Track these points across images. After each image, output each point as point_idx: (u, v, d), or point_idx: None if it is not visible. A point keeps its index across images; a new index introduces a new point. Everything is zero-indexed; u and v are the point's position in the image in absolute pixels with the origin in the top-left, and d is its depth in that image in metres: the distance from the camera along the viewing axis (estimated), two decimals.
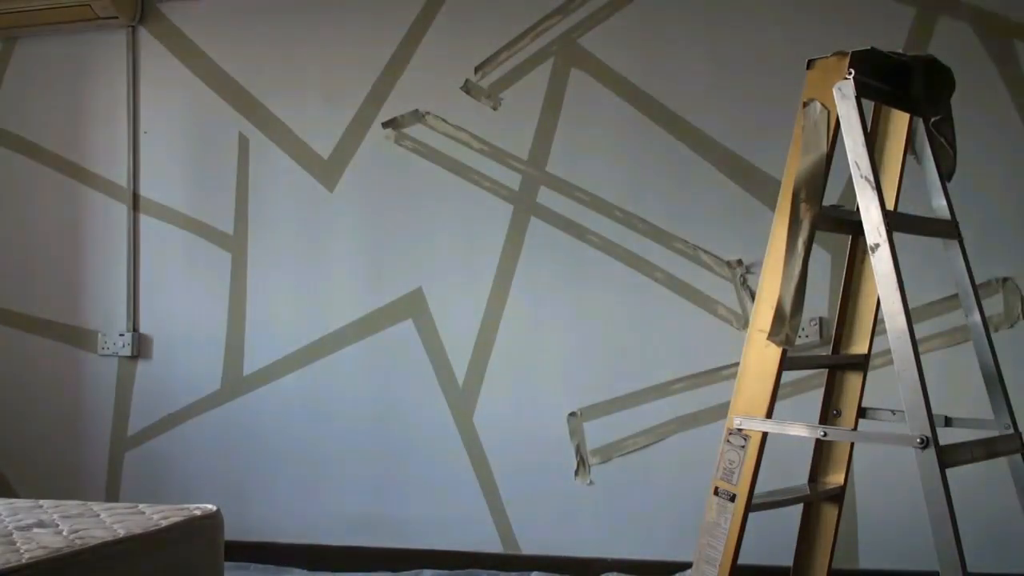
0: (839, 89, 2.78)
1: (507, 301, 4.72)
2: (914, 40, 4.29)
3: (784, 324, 2.85)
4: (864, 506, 4.30)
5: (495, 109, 4.78)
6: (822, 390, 3.46)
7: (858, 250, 3.33)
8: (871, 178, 2.70)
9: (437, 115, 4.83)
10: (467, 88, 4.80)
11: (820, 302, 4.31)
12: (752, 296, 4.41)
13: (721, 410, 4.43)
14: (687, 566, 4.40)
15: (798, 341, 3.01)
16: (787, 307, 2.85)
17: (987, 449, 2.91)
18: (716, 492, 2.94)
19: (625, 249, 4.60)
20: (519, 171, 4.73)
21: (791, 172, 2.90)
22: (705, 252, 4.52)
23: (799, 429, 2.99)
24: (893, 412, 3.28)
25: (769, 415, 2.89)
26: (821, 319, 4.33)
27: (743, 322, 4.44)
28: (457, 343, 4.79)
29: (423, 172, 4.82)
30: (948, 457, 2.58)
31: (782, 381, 2.96)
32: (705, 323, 4.52)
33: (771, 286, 2.90)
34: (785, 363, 2.92)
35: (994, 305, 4.17)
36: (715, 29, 4.55)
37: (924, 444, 2.55)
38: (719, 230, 4.52)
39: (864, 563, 4.32)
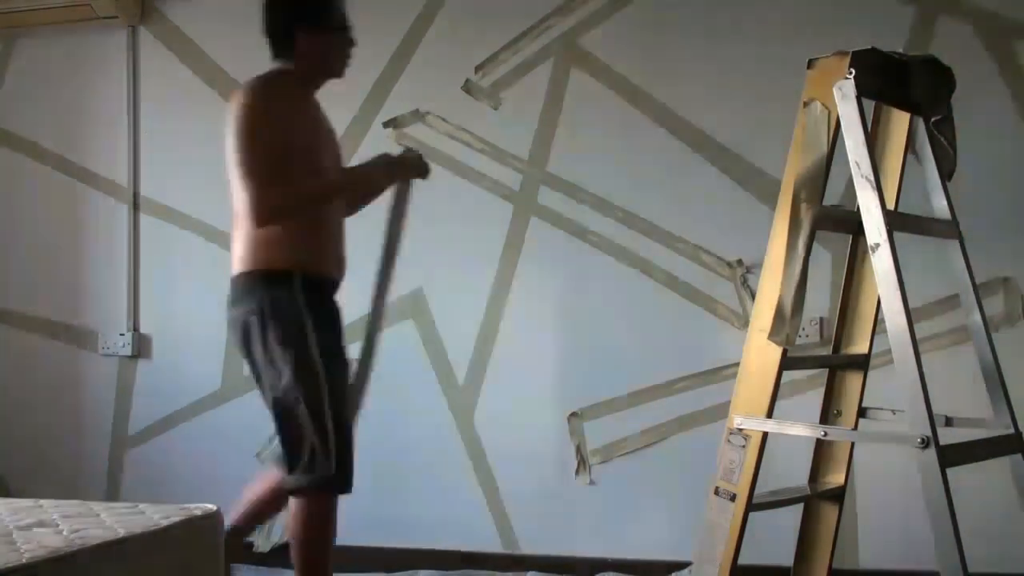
0: (839, 89, 2.78)
1: (507, 301, 4.72)
2: (914, 40, 4.28)
3: (784, 324, 2.85)
4: (864, 506, 4.30)
5: (495, 109, 4.78)
6: (822, 390, 3.46)
7: (858, 250, 3.33)
8: (872, 178, 2.70)
9: (437, 115, 4.82)
10: (467, 88, 4.80)
11: (820, 302, 4.30)
12: (752, 296, 4.41)
13: (721, 410, 4.43)
14: (687, 566, 4.40)
15: (798, 341, 3.00)
16: (787, 307, 2.85)
17: (987, 449, 2.92)
18: (716, 492, 2.95)
19: (625, 249, 4.60)
20: (519, 171, 4.73)
21: (791, 172, 2.90)
22: (705, 252, 4.52)
23: (799, 429, 3.00)
24: (893, 412, 3.29)
25: (769, 415, 2.90)
26: (821, 319, 4.33)
27: (743, 322, 4.44)
28: (457, 343, 4.79)
29: None
30: (948, 457, 2.58)
31: (782, 381, 2.96)
32: (705, 323, 4.52)
33: (771, 286, 2.90)
34: (785, 363, 2.93)
35: (994, 305, 4.17)
36: (715, 29, 4.55)
37: (925, 444, 2.55)
38: (719, 230, 4.52)
39: (864, 563, 4.32)
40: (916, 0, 4.34)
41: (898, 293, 2.62)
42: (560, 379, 4.67)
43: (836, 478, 3.39)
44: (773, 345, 2.89)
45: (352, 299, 4.86)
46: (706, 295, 4.52)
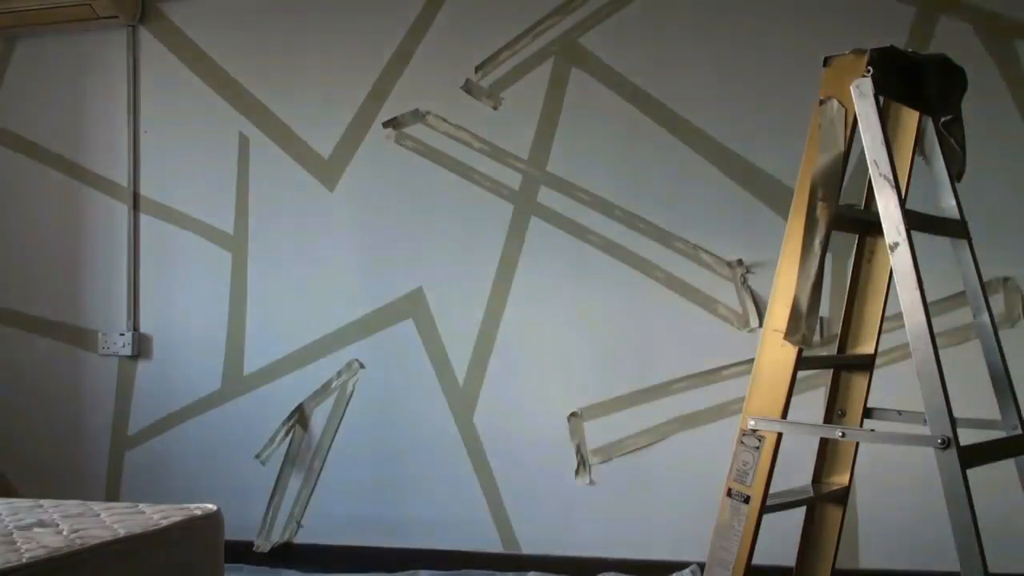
0: (857, 87, 2.76)
1: (507, 301, 4.72)
2: (914, 40, 4.31)
3: (801, 324, 2.84)
4: (865, 506, 4.31)
5: (495, 109, 4.78)
6: (822, 390, 3.46)
7: (865, 249, 3.32)
8: (890, 177, 2.69)
9: (437, 115, 4.82)
10: (467, 88, 4.80)
11: (821, 302, 4.31)
12: (753, 296, 4.43)
13: (721, 410, 4.45)
14: (687, 566, 4.41)
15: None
16: (803, 306, 2.84)
17: (1004, 449, 2.91)
18: (729, 494, 2.92)
19: (625, 249, 4.60)
20: (519, 171, 4.73)
21: (807, 170, 2.88)
22: (705, 252, 4.52)
23: (817, 430, 2.98)
24: (899, 412, 3.28)
25: (784, 416, 2.87)
26: (822, 319, 4.34)
27: (743, 322, 4.45)
28: (457, 343, 4.79)
29: (423, 172, 4.81)
30: (968, 458, 2.56)
31: None
32: (705, 323, 4.53)
33: (786, 285, 2.88)
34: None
35: (994, 305, 4.17)
36: (716, 29, 4.56)
37: (945, 445, 2.53)
38: (719, 230, 4.53)
39: (865, 563, 4.33)
40: (916, 0, 4.36)
41: (917, 292, 2.60)
42: (560, 379, 4.67)
43: (841, 479, 3.38)
44: (788, 345, 2.87)
45: (349, 300, 4.90)
46: (706, 295, 4.52)
